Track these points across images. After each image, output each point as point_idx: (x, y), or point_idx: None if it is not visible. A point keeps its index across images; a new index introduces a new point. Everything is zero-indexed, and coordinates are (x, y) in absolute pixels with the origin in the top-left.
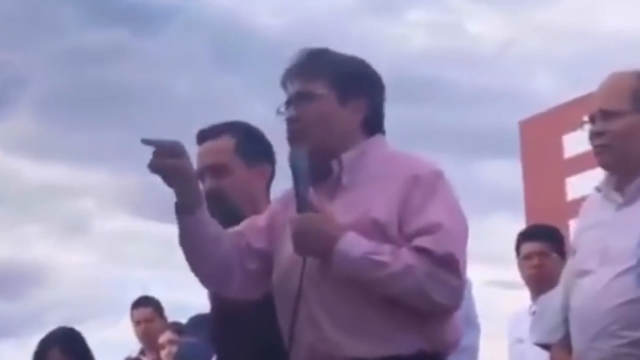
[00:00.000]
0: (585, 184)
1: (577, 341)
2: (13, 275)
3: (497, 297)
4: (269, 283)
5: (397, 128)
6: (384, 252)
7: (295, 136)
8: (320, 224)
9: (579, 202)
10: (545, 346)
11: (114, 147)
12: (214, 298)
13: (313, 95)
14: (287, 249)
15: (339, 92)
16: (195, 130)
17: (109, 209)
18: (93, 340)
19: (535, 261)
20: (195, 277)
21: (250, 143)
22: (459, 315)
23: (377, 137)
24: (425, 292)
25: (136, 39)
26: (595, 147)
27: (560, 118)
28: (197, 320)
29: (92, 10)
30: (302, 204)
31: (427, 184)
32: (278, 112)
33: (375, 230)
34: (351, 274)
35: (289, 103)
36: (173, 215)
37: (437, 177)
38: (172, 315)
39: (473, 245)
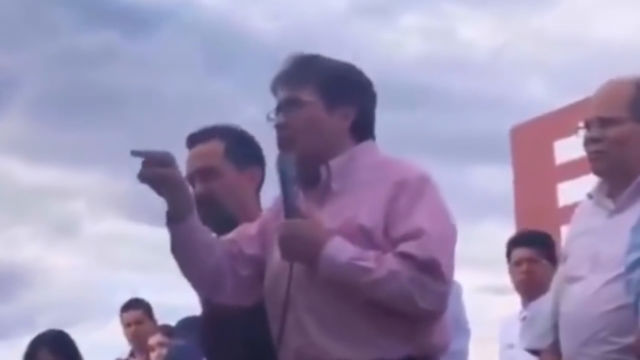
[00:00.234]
0: (576, 190)
1: (567, 347)
2: (3, 277)
3: (488, 302)
4: (261, 290)
5: (389, 133)
6: (369, 258)
7: (284, 143)
8: (306, 230)
9: (570, 208)
10: (535, 352)
11: (105, 149)
12: (206, 302)
13: (301, 102)
14: (276, 255)
15: (327, 98)
16: (187, 133)
17: (99, 212)
18: (83, 342)
19: (524, 267)
20: (186, 282)
21: (241, 147)
22: (448, 319)
23: (366, 143)
24: (410, 297)
25: (128, 42)
26: (590, 153)
27: (552, 124)
28: (187, 323)
29: (84, 13)
30: (289, 209)
31: (413, 189)
32: (268, 118)
33: (362, 236)
34: (336, 280)
35: (278, 109)
36: (163, 219)
37: (423, 182)
38: (162, 318)
39: (464, 251)
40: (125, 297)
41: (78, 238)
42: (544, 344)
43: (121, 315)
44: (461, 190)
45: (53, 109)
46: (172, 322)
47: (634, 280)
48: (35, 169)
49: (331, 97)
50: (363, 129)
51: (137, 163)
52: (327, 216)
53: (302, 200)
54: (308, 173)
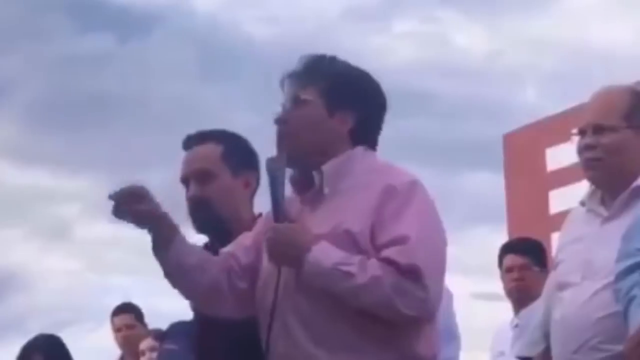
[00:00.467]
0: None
1: (558, 354)
2: None
3: (480, 309)
4: None
5: (381, 139)
6: (353, 263)
7: (280, 137)
8: (293, 234)
9: (561, 215)
10: (526, 359)
11: (98, 153)
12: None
13: (302, 100)
14: (266, 260)
15: (328, 101)
16: (179, 137)
17: (91, 215)
18: (74, 346)
19: (516, 274)
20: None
21: (237, 152)
22: (435, 329)
23: (360, 148)
24: (392, 303)
25: (121, 47)
26: (584, 160)
27: (544, 131)
28: (178, 327)
29: (78, 18)
30: (277, 213)
31: (401, 196)
32: (274, 114)
33: (348, 241)
34: (320, 284)
35: (283, 106)
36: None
37: (412, 188)
38: (152, 322)
39: (456, 257)
40: (117, 301)
41: (70, 242)
42: (534, 351)
43: (112, 320)
44: (453, 197)
45: (46, 113)
46: (163, 327)
47: (622, 289)
48: (27, 172)
49: (333, 100)
50: (362, 136)
51: (130, 167)
52: (318, 220)
53: (296, 204)
54: (301, 174)
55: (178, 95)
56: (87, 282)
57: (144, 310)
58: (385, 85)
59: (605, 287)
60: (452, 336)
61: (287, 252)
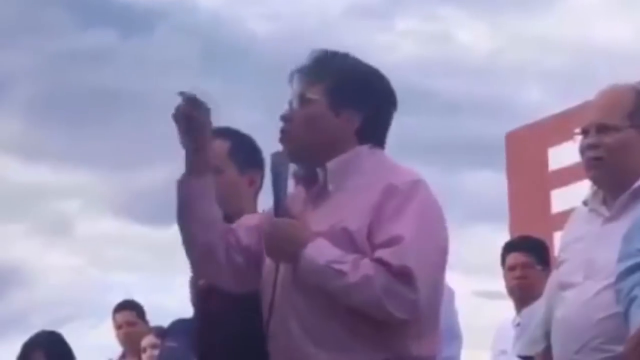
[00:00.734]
0: (570, 196)
1: (560, 354)
2: None
3: (482, 307)
4: (256, 281)
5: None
6: (346, 262)
7: (283, 134)
8: (291, 229)
9: (563, 214)
10: (526, 358)
11: (100, 149)
12: (198, 303)
13: (307, 98)
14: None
15: (334, 99)
16: None
17: (93, 212)
18: (75, 343)
19: (518, 272)
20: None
21: (244, 149)
22: (435, 329)
23: (365, 147)
24: (382, 304)
25: (124, 42)
26: (587, 159)
27: (547, 130)
28: (179, 325)
29: (80, 13)
30: (278, 208)
31: (401, 195)
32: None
33: (346, 239)
34: (314, 281)
35: (290, 103)
36: (157, 219)
37: (413, 188)
38: (154, 319)
39: (459, 256)
40: (119, 298)
41: (72, 238)
42: (535, 350)
43: (113, 317)
44: (455, 195)
45: (47, 109)
46: (165, 324)
47: (623, 290)
48: (29, 168)
49: (339, 99)
50: (369, 135)
51: (133, 161)
52: (320, 217)
53: (300, 200)
54: (306, 170)
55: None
56: (89, 279)
57: (146, 307)
58: None
59: (606, 287)
60: (454, 335)
61: (284, 247)
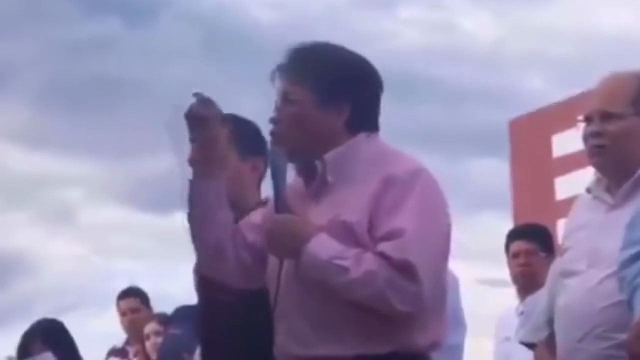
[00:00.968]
0: (573, 184)
1: (564, 342)
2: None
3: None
4: (262, 276)
5: (386, 125)
6: (348, 257)
7: (274, 137)
8: (293, 225)
9: (567, 202)
10: (529, 345)
11: (103, 137)
12: (201, 291)
13: (291, 99)
14: None
15: (319, 95)
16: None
17: (96, 200)
18: (79, 330)
19: (522, 259)
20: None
21: (246, 136)
22: (440, 318)
23: (362, 135)
24: (385, 298)
25: (128, 31)
26: (590, 147)
27: (550, 118)
28: (183, 312)
29: (85, 1)
30: (279, 203)
31: (401, 186)
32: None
33: (345, 232)
34: (316, 276)
35: (275, 104)
36: (160, 206)
37: (414, 178)
38: (158, 306)
39: (462, 244)
40: (122, 286)
41: (76, 226)
42: (538, 337)
43: (117, 304)
44: (459, 183)
45: (51, 98)
46: (169, 311)
47: (626, 277)
48: (33, 157)
49: (324, 94)
50: (360, 122)
51: (135, 152)
52: (321, 210)
53: (302, 194)
54: (307, 166)
55: (184, 79)
56: (93, 267)
57: (150, 294)
58: (391, 71)
59: (610, 275)
60: (458, 322)
61: (286, 243)
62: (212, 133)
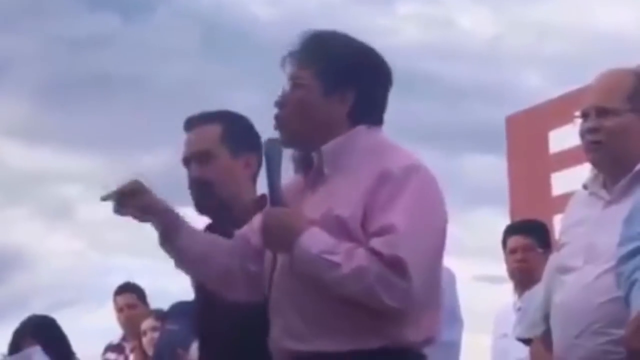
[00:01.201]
0: (570, 180)
1: (561, 338)
2: None
3: (483, 291)
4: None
5: (384, 121)
6: (339, 252)
7: (277, 120)
8: (286, 218)
9: (564, 197)
10: (526, 341)
11: (102, 133)
12: (199, 287)
13: (298, 83)
14: None
15: (325, 82)
16: (182, 118)
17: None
18: (75, 326)
19: (519, 255)
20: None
21: (237, 132)
22: (434, 314)
23: (361, 127)
24: (375, 294)
25: (126, 26)
26: (587, 143)
27: (547, 114)
28: (180, 307)
29: None
30: (273, 197)
31: (396, 181)
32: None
33: (338, 226)
34: (307, 271)
35: (283, 88)
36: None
37: (409, 173)
38: (155, 303)
39: (459, 240)
40: (119, 281)
41: (73, 222)
42: (534, 333)
43: (114, 299)
44: (456, 179)
45: (50, 93)
46: (166, 307)
47: (624, 273)
48: (31, 152)
49: (329, 81)
50: (364, 113)
51: (134, 147)
52: (316, 203)
53: (299, 186)
54: (302, 155)
55: (182, 75)
56: (90, 262)
57: (147, 290)
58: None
59: (607, 271)
60: (455, 318)
61: (279, 236)
62: (150, 203)
